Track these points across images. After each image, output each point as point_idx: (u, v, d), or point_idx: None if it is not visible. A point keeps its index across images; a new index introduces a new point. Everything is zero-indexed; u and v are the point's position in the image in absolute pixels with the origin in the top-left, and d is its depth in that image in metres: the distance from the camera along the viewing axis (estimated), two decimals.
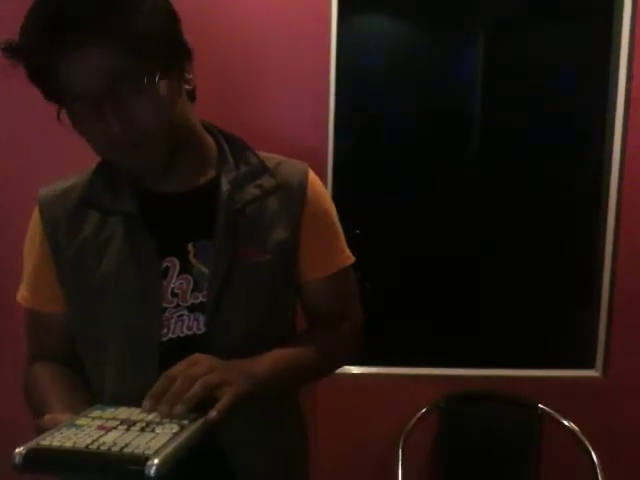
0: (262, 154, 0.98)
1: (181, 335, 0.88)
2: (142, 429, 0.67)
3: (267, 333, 0.93)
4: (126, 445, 0.63)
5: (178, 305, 0.88)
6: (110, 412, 0.73)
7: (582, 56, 2.08)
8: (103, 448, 0.63)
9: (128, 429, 0.67)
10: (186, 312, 0.88)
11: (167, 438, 0.64)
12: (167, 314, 0.88)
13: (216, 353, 0.82)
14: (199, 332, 0.88)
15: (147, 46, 0.77)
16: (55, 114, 0.79)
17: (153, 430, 0.67)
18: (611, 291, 2.01)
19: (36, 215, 0.94)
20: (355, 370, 2.02)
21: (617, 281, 1.99)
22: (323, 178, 1.83)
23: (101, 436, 0.65)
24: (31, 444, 0.64)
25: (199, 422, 0.69)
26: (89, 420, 0.70)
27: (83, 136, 0.82)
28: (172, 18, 0.83)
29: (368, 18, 2.08)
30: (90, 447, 0.63)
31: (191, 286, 0.89)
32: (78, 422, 0.70)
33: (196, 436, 0.67)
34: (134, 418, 0.70)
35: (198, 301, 0.89)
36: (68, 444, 0.64)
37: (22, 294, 0.97)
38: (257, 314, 0.91)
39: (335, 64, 1.89)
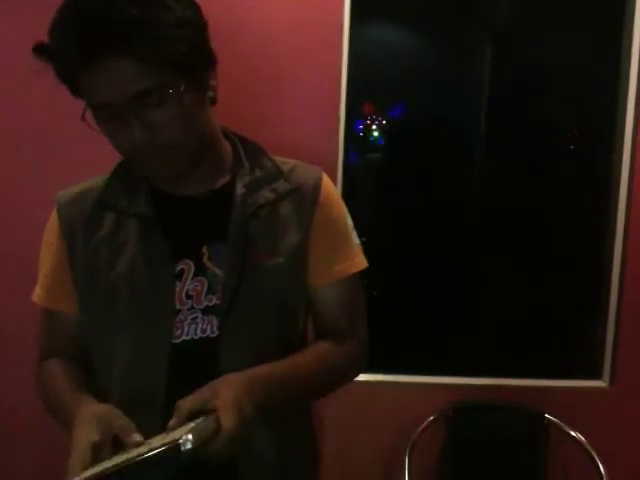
0: (278, 159, 0.98)
1: (194, 337, 0.89)
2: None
3: (279, 336, 0.93)
4: (153, 448, 0.65)
5: (192, 307, 0.89)
6: (118, 457, 0.72)
7: (591, 64, 2.07)
8: (134, 454, 0.65)
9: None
10: (200, 314, 0.89)
11: (189, 428, 0.66)
12: (181, 316, 0.89)
13: (228, 356, 0.83)
14: (212, 335, 0.89)
15: (174, 60, 0.77)
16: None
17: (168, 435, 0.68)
18: (619, 301, 2.01)
19: (54, 217, 0.96)
20: (362, 378, 1.99)
21: (625, 292, 1.99)
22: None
23: (126, 454, 0.67)
24: None
25: (211, 418, 0.70)
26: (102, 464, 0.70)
27: (107, 138, 0.83)
28: (200, 28, 0.83)
29: (380, 27, 2.09)
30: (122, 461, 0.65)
31: (205, 288, 0.89)
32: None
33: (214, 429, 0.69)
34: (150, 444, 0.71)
35: (212, 303, 0.89)
36: (101, 466, 0.65)
37: (37, 293, 0.98)
38: (270, 317, 0.92)
39: (347, 72, 1.90)
